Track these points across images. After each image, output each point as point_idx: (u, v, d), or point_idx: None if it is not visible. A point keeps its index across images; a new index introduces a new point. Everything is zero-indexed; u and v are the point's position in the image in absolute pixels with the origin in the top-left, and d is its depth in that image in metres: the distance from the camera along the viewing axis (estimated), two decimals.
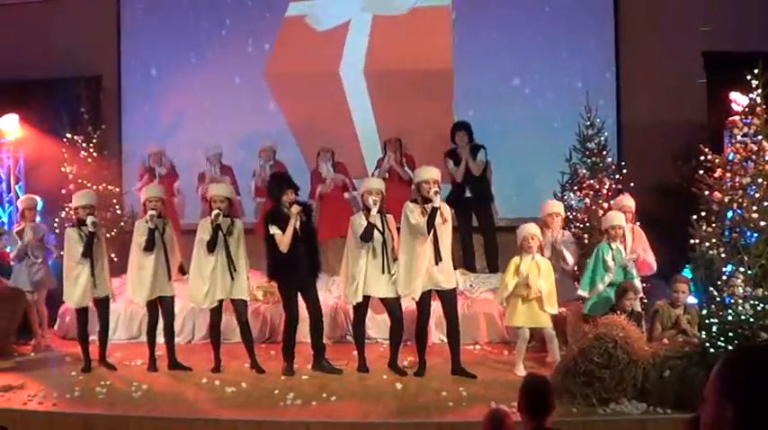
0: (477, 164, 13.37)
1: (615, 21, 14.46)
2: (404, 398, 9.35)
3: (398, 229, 10.38)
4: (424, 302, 10.18)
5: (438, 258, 10.00)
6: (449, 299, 10.26)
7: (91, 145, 14.70)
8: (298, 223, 10.33)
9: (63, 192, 13.75)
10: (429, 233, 9.93)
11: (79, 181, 14.24)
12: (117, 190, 14.73)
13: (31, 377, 10.54)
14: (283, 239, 10.28)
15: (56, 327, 13.00)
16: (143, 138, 15.20)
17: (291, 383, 9.96)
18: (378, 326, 11.71)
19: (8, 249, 12.93)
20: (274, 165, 13.71)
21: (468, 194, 13.42)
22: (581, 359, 8.80)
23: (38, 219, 12.73)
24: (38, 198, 12.83)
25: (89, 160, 14.67)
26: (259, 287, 12.43)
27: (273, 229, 10.34)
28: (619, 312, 9.58)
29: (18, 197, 14.77)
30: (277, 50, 15.43)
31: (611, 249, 10.31)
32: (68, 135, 14.71)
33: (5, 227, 14.80)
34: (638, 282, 10.37)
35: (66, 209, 13.81)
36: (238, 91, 15.59)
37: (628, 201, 11.24)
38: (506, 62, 14.76)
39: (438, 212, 9.93)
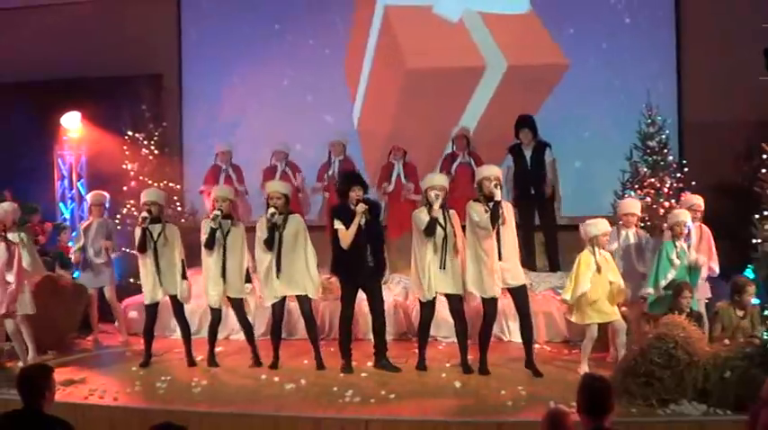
0: (547, 167, 13.38)
1: (676, 18, 14.37)
2: (463, 396, 9.34)
3: (464, 228, 10.37)
4: (493, 301, 10.16)
5: (504, 256, 9.96)
6: (519, 295, 10.20)
7: (152, 142, 14.89)
8: (363, 221, 10.35)
9: (124, 189, 13.90)
10: (493, 229, 9.90)
11: (140, 178, 14.42)
12: (178, 187, 14.88)
13: (93, 372, 10.68)
14: (346, 236, 10.31)
15: (115, 323, 13.09)
16: (204, 136, 15.35)
17: (350, 380, 9.98)
18: (437, 324, 11.63)
19: (70, 244, 13.10)
20: (344, 160, 13.78)
21: (531, 192, 13.39)
22: (641, 359, 8.76)
23: (105, 215, 12.82)
24: (106, 194, 12.92)
25: (150, 157, 14.84)
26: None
27: (338, 224, 10.36)
28: (677, 311, 9.54)
29: (80, 194, 14.98)
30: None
31: (675, 247, 10.25)
32: (130, 132, 14.91)
33: (68, 222, 15.03)
34: (702, 282, 10.30)
35: (128, 205, 14.01)
36: (299, 88, 15.70)
37: (697, 199, 11.07)
38: (567, 56, 14.74)
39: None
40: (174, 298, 11.05)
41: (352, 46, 15.67)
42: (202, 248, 10.91)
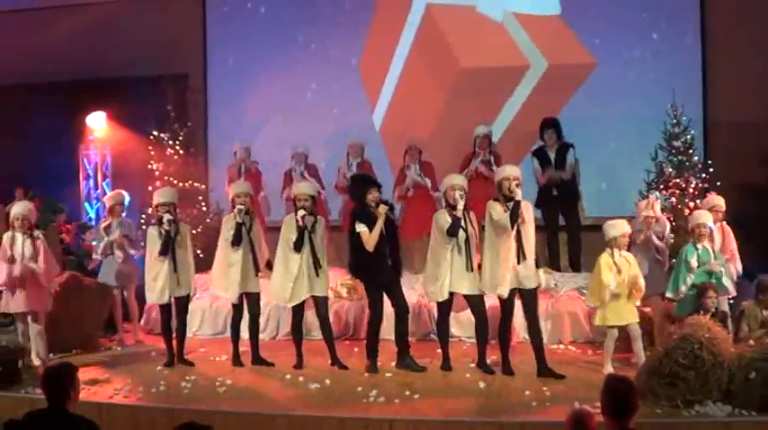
0: (567, 168, 13.35)
1: (701, 17, 14.29)
2: (487, 396, 9.33)
3: (484, 228, 10.38)
4: (508, 301, 10.13)
5: (522, 256, 9.96)
6: (529, 298, 10.17)
7: (177, 142, 14.94)
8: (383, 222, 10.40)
9: (149, 189, 13.94)
10: (512, 228, 9.89)
11: (165, 178, 14.47)
12: (203, 187, 14.93)
13: (117, 371, 10.72)
14: (369, 239, 10.32)
15: (142, 322, 13.17)
16: (228, 136, 15.34)
17: (375, 381, 9.99)
18: (461, 324, 11.71)
19: (94, 244, 13.18)
20: (362, 163, 13.77)
21: (554, 193, 13.36)
22: (666, 360, 8.74)
23: (124, 214, 12.87)
24: (125, 193, 12.96)
25: (175, 157, 14.90)
26: (343, 284, 12.53)
27: (360, 227, 10.34)
28: (702, 312, 9.53)
29: (105, 193, 15.06)
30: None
31: (697, 250, 10.23)
32: (155, 132, 14.96)
33: (93, 222, 15.11)
34: (727, 282, 10.27)
35: (152, 205, 14.05)
36: (324, 90, 15.70)
37: (718, 200, 11.06)
38: (592, 56, 14.73)
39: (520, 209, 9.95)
40: (179, 299, 11.09)
41: (372, 47, 15.62)
42: (221, 245, 10.99)
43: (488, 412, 8.75)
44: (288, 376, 10.31)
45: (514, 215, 9.87)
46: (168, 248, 10.88)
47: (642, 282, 10.02)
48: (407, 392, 9.37)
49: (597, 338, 11.72)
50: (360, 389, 9.57)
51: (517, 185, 9.95)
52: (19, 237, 10.65)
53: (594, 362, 10.62)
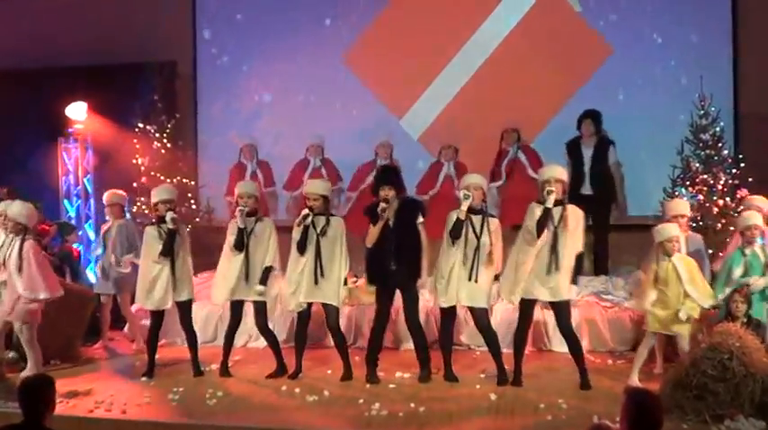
0: (613, 161, 13.30)
1: (732, 1, 14.27)
2: (498, 410, 9.29)
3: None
4: (523, 310, 10.13)
5: (554, 267, 9.86)
6: (558, 310, 10.12)
7: (164, 135, 14.93)
8: (392, 221, 10.39)
9: (134, 185, 13.93)
10: (538, 237, 9.85)
11: (152, 174, 14.46)
12: (192, 183, 14.93)
13: (99, 382, 10.69)
14: (370, 234, 10.43)
15: (125, 330, 13.19)
16: (220, 129, 15.37)
17: (377, 391, 9.98)
18: (470, 332, 11.71)
19: (76, 245, 13.14)
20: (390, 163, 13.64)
21: (588, 192, 13.18)
22: (693, 371, 8.70)
23: (128, 216, 12.85)
24: (122, 193, 13.00)
25: (162, 151, 14.88)
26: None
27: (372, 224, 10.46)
28: (731, 319, 9.50)
29: (87, 191, 15.05)
30: None
31: (745, 256, 10.15)
32: (140, 124, 14.94)
33: (72, 221, 15.08)
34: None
35: (138, 203, 14.02)
36: (326, 80, 15.67)
37: (762, 202, 10.97)
38: (613, 43, 14.72)
39: (561, 216, 9.86)
40: (182, 304, 11.08)
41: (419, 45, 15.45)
42: (224, 249, 10.98)
43: (499, 427, 8.71)
44: (283, 387, 10.28)
45: (540, 224, 9.85)
46: (170, 249, 10.89)
47: (695, 295, 9.88)
48: (412, 405, 9.32)
49: (617, 347, 11.72)
50: (361, 401, 9.54)
51: (549, 194, 9.83)
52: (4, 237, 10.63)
53: (615, 373, 10.62)
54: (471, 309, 10.42)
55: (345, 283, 10.86)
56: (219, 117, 15.84)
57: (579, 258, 10.05)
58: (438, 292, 10.43)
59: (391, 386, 10.27)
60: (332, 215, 10.85)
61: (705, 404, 8.53)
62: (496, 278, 10.38)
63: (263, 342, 11.78)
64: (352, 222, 12.07)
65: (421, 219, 10.54)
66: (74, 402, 9.65)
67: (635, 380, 9.85)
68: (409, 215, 10.56)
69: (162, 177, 14.35)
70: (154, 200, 11.14)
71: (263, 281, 10.84)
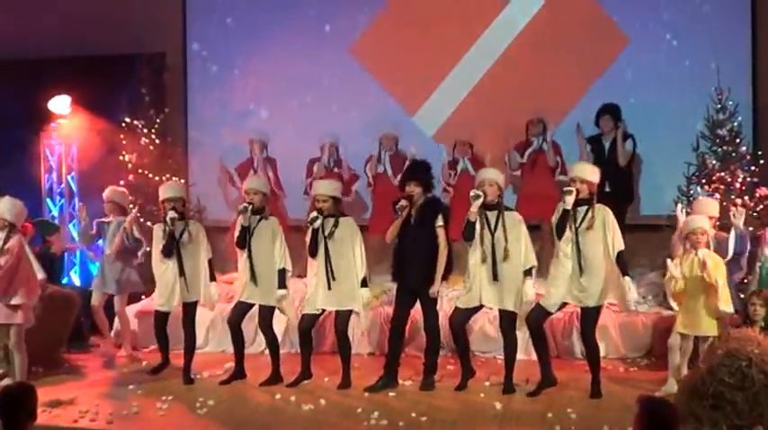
0: (623, 152, 13.19)
1: None
2: (504, 420, 9.24)
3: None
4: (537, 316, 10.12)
5: (579, 269, 9.85)
6: (584, 316, 10.12)
7: (152, 130, 14.88)
8: (413, 220, 10.41)
9: (121, 183, 13.86)
10: (559, 238, 9.86)
11: (139, 171, 14.42)
12: (182, 181, 14.83)
13: (84, 390, 10.64)
14: (390, 229, 10.49)
15: (112, 334, 13.13)
16: (211, 124, 15.32)
17: (377, 400, 9.95)
18: (475, 338, 11.66)
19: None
20: (394, 155, 13.81)
21: (606, 189, 12.82)
22: (709, 379, 8.60)
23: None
24: (125, 191, 13.07)
25: (150, 147, 14.83)
26: None
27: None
28: (749, 323, 9.45)
29: (71, 189, 15.00)
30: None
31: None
32: (127, 119, 14.87)
33: (56, 219, 15.03)
34: None
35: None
36: (327, 77, 15.57)
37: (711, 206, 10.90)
38: (627, 33, 14.63)
39: (584, 217, 9.84)
40: (188, 305, 11.09)
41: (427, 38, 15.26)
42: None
43: None
44: (278, 396, 10.24)
45: (560, 225, 9.85)
46: (171, 249, 10.92)
47: (722, 294, 9.81)
48: (413, 414, 9.28)
49: (629, 354, 11.67)
50: (360, 410, 9.50)
51: (569, 193, 9.79)
52: None
53: (627, 380, 10.67)
54: (499, 312, 10.37)
55: (365, 285, 10.74)
56: (210, 112, 15.72)
57: (620, 257, 9.88)
58: (462, 294, 10.46)
59: (391, 394, 10.22)
60: (342, 215, 10.81)
61: (722, 414, 8.43)
62: (529, 273, 10.22)
63: (257, 348, 11.78)
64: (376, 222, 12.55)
65: (440, 223, 10.47)
66: (57, 412, 9.61)
67: (672, 385, 9.81)
68: (429, 216, 10.51)
69: (150, 174, 14.31)
70: (160, 197, 11.22)
71: (282, 284, 10.86)
